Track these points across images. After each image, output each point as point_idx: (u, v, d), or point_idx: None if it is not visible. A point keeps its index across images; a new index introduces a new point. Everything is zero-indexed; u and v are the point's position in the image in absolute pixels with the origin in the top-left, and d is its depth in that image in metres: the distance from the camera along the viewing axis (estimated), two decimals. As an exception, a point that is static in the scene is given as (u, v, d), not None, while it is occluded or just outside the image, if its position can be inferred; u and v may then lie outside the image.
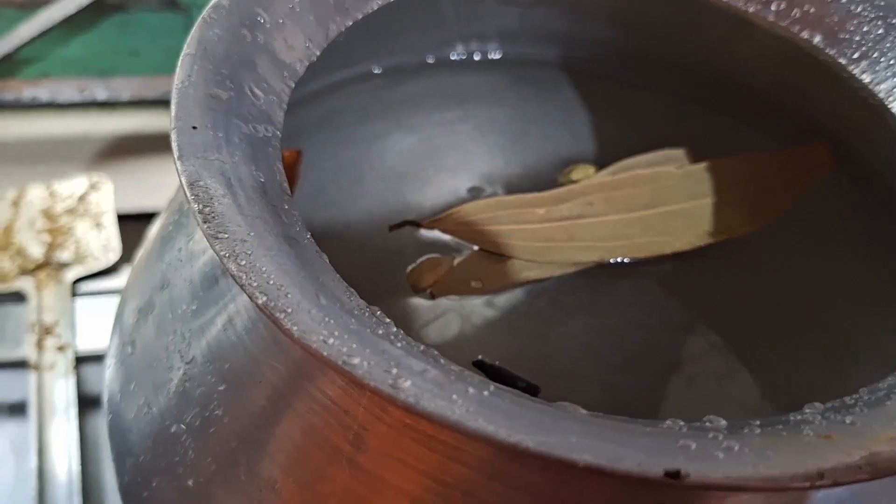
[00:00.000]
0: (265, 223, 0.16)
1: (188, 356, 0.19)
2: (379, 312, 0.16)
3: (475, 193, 0.30)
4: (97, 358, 0.38)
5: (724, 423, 0.14)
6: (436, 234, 0.28)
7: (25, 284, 0.40)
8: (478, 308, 0.26)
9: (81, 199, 0.45)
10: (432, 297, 0.26)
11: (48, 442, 0.35)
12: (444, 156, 0.32)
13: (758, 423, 0.14)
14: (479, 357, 0.21)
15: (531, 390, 0.20)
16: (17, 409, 0.37)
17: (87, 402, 0.37)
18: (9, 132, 0.51)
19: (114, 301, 0.41)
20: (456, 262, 0.27)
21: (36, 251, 0.42)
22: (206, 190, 0.15)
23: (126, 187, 0.48)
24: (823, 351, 0.26)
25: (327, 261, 0.16)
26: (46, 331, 0.39)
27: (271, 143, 0.18)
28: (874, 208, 0.27)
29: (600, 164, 0.30)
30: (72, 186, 0.45)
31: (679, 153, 0.30)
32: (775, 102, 0.30)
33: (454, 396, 0.13)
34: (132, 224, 0.46)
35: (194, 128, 0.17)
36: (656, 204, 0.28)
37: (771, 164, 0.29)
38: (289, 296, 0.14)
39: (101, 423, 0.37)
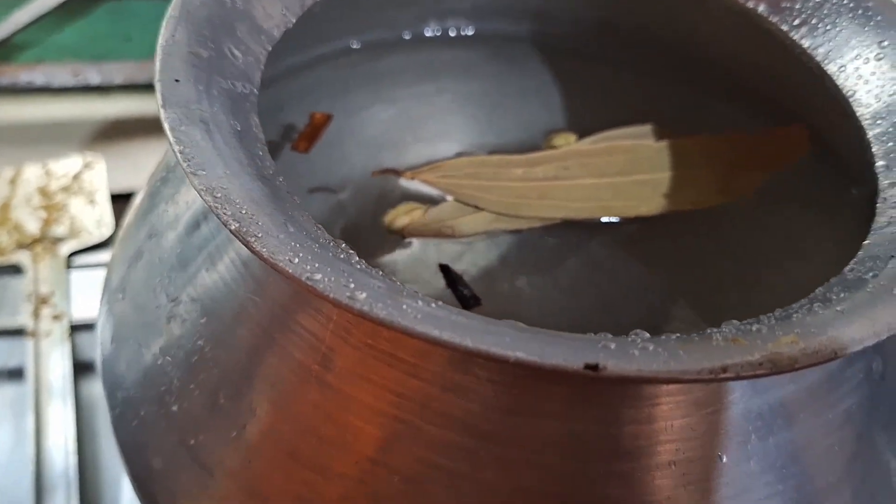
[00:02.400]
0: (240, 163, 0.17)
1: (174, 295, 0.21)
2: (343, 245, 0.17)
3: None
4: (91, 326, 0.40)
5: (647, 335, 0.16)
6: (416, 187, 0.30)
7: (22, 257, 0.42)
8: (449, 254, 0.28)
9: (76, 177, 0.46)
10: (403, 236, 0.28)
11: (45, 406, 0.37)
12: (422, 126, 0.34)
13: (676, 335, 0.16)
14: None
15: (474, 300, 0.22)
16: (15, 375, 0.38)
17: (81, 368, 0.39)
18: (5, 115, 0.53)
19: (107, 273, 0.43)
20: (430, 209, 0.29)
21: (32, 226, 0.44)
22: (187, 133, 0.17)
23: (118, 168, 0.50)
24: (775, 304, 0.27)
25: (297, 200, 0.18)
26: (42, 301, 0.40)
27: (248, 99, 0.20)
28: (820, 171, 0.29)
29: (580, 134, 0.32)
30: (67, 165, 0.47)
31: (655, 129, 0.31)
32: (733, 74, 0.31)
33: (405, 306, 0.15)
34: (124, 203, 0.47)
35: (177, 80, 0.18)
36: (630, 172, 0.30)
37: (747, 143, 0.30)
38: (259, 223, 0.16)
39: (95, 388, 0.39)
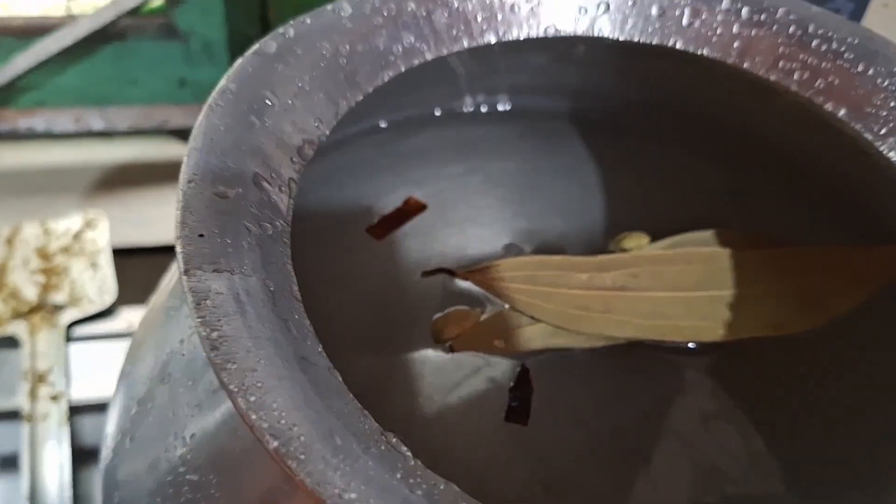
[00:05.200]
0: (276, 345, 0.15)
1: (189, 462, 0.18)
2: (395, 440, 0.15)
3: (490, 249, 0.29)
4: (91, 408, 0.37)
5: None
6: (466, 285, 0.27)
7: (19, 329, 0.39)
8: (500, 369, 0.26)
9: (76, 236, 0.44)
10: (451, 350, 0.25)
11: (41, 495, 0.34)
12: (451, 210, 0.31)
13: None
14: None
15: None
16: (9, 463, 0.36)
17: (80, 454, 0.36)
18: (4, 163, 0.50)
19: (109, 346, 0.40)
20: (483, 317, 0.26)
21: (30, 292, 0.41)
22: (215, 311, 0.15)
23: (123, 220, 0.47)
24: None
25: (340, 379, 0.16)
26: (40, 378, 0.38)
27: (280, 241, 0.18)
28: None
29: (650, 233, 0.29)
30: (67, 224, 0.44)
31: (737, 235, 0.28)
32: (799, 170, 0.29)
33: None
34: (128, 259, 0.45)
35: (201, 235, 0.16)
36: (707, 286, 0.27)
37: (839, 259, 0.27)
38: (301, 438, 0.13)
39: (94, 477, 0.36)
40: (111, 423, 0.23)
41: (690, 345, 0.26)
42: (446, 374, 0.26)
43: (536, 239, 0.30)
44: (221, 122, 0.18)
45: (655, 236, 0.29)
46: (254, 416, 0.13)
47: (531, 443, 0.24)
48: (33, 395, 0.37)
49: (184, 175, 0.17)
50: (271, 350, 0.15)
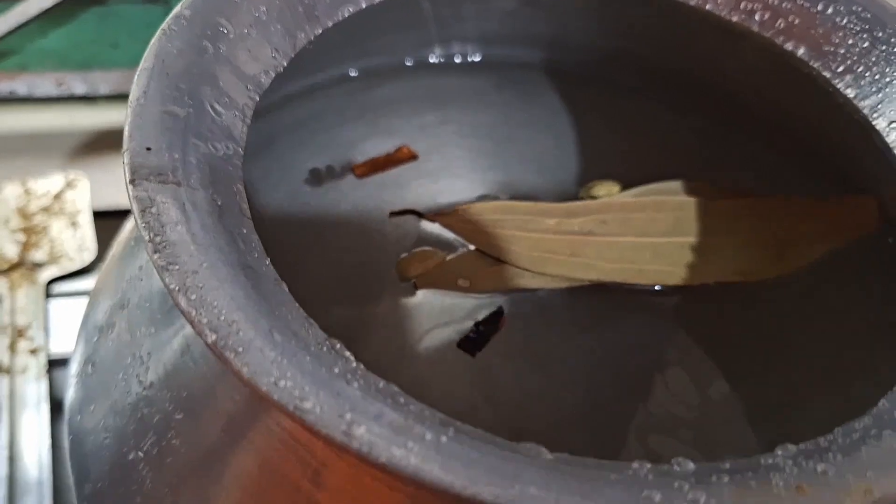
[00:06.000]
0: (220, 251, 0.15)
1: (146, 381, 0.18)
2: (339, 346, 0.15)
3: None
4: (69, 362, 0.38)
5: (691, 466, 0.13)
6: (436, 230, 0.28)
7: (-1, 285, 0.40)
8: (464, 308, 0.26)
9: (57, 197, 0.44)
10: (416, 287, 0.26)
11: (20, 446, 0.35)
12: (424, 160, 0.31)
13: (727, 466, 0.13)
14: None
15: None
16: (-12, 414, 0.36)
17: (58, 406, 0.36)
18: (-15, 127, 0.50)
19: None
20: (448, 258, 0.27)
21: (10, 251, 0.41)
22: (158, 217, 0.15)
23: (103, 183, 0.47)
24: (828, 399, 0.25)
25: (286, 289, 0.16)
26: (19, 333, 0.38)
27: (231, 162, 0.18)
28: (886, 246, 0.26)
29: (622, 182, 0.29)
30: (47, 184, 0.44)
31: (708, 186, 0.28)
32: (761, 113, 0.29)
33: (410, 443, 0.12)
34: (109, 221, 0.45)
35: (148, 148, 0.16)
36: (674, 234, 0.27)
37: (805, 210, 0.27)
38: (240, 333, 0.13)
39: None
40: (76, 358, 0.23)
41: (656, 287, 0.27)
42: (418, 319, 0.26)
43: (511, 190, 0.30)
44: (174, 46, 0.18)
45: (627, 186, 0.30)
46: (193, 312, 0.14)
47: (494, 385, 0.24)
48: (13, 348, 0.37)
49: (133, 93, 0.17)
50: (215, 257, 0.15)
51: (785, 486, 0.12)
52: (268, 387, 0.13)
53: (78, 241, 0.42)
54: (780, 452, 0.14)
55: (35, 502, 0.33)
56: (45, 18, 0.49)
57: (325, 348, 0.15)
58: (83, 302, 0.40)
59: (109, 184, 0.48)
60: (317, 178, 0.29)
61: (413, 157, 0.29)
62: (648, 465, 0.13)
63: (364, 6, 0.23)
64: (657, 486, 0.12)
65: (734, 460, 0.14)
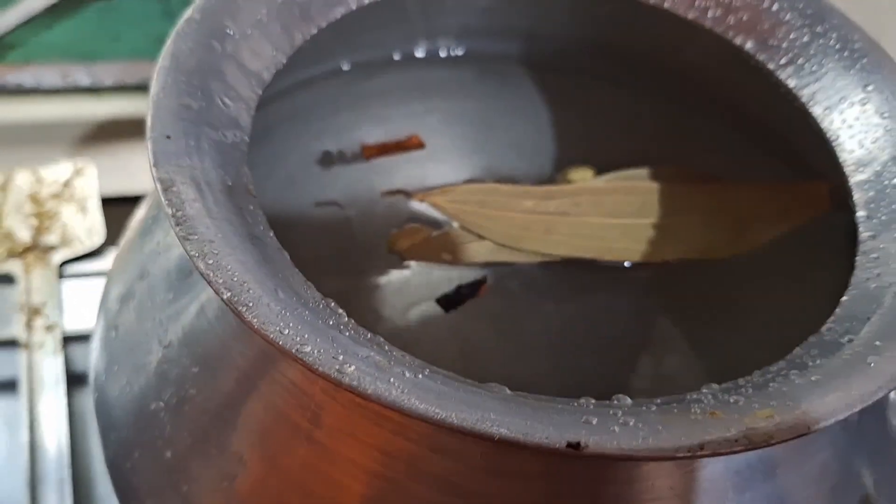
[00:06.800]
0: (231, 224, 0.18)
1: (165, 341, 0.21)
2: (333, 304, 0.18)
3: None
4: (83, 337, 0.40)
5: (629, 401, 0.16)
6: (424, 209, 0.30)
7: (14, 267, 0.42)
8: (447, 282, 0.28)
9: (66, 184, 0.46)
10: (403, 259, 0.28)
11: (39, 417, 0.37)
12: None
13: (657, 401, 0.16)
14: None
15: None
16: (8, 387, 0.38)
17: (74, 379, 0.39)
18: (-6, 117, 0.52)
19: (98, 283, 0.43)
20: (434, 234, 0.29)
21: (24, 235, 0.44)
22: (179, 195, 0.17)
23: (109, 171, 0.50)
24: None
25: (288, 258, 0.18)
26: (35, 311, 0.41)
27: (239, 148, 0.20)
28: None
29: (595, 165, 0.32)
30: (57, 172, 0.47)
31: (677, 172, 0.31)
32: (723, 100, 0.32)
33: (392, 379, 0.15)
34: (116, 207, 0.47)
35: (168, 137, 0.19)
36: (642, 215, 0.30)
37: (765, 194, 0.30)
38: (250, 291, 0.16)
39: (88, 399, 0.39)
40: (98, 325, 0.26)
41: (626, 263, 0.29)
42: (407, 289, 0.29)
43: (492, 173, 0.33)
44: (186, 45, 0.21)
45: (600, 171, 0.32)
46: (211, 274, 0.16)
47: (473, 348, 0.27)
48: (29, 325, 0.40)
49: (153, 88, 0.19)
50: (227, 228, 0.18)
51: (702, 412, 0.15)
52: (274, 334, 0.15)
53: (87, 226, 0.44)
54: (704, 390, 0.17)
55: (55, 465, 0.36)
56: (50, 13, 0.52)
57: (321, 305, 0.17)
58: (94, 282, 0.43)
59: (116, 171, 0.50)
60: (314, 161, 0.31)
61: (421, 145, 0.32)
62: (592, 400, 0.16)
63: (354, 7, 0.26)
64: (596, 414, 0.15)
65: (666, 398, 0.16)
